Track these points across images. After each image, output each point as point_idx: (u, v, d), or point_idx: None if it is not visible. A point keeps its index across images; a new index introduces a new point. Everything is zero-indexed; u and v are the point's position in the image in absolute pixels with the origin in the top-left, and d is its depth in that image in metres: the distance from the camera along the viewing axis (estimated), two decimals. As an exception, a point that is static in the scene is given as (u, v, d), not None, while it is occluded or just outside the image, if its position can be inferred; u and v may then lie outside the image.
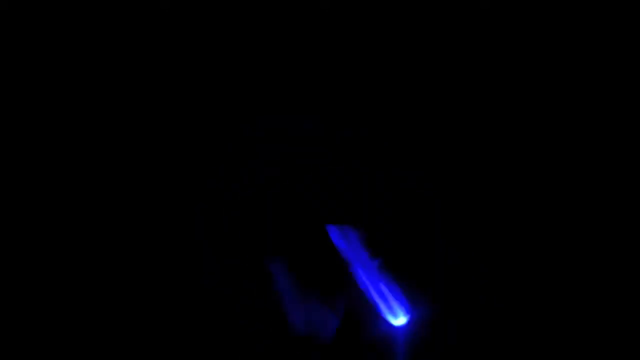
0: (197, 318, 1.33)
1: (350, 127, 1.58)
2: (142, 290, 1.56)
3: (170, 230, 1.54)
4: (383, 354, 1.41)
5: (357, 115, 1.61)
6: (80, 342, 1.53)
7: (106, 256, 1.58)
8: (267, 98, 1.52)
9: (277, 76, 1.59)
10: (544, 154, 1.61)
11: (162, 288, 1.55)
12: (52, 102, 1.61)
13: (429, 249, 1.59)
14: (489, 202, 1.61)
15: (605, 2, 1.56)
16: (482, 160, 1.63)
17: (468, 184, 1.62)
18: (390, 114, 1.62)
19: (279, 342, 1.24)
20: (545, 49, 1.61)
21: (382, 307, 1.39)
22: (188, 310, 1.46)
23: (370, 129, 1.60)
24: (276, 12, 1.61)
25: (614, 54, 1.58)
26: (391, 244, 1.48)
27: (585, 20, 1.58)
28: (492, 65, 1.62)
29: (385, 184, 1.61)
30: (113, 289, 1.57)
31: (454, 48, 1.62)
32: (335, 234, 1.35)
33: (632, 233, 1.54)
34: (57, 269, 1.57)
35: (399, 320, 1.41)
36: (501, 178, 1.62)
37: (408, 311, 1.40)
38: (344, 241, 1.35)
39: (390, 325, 1.41)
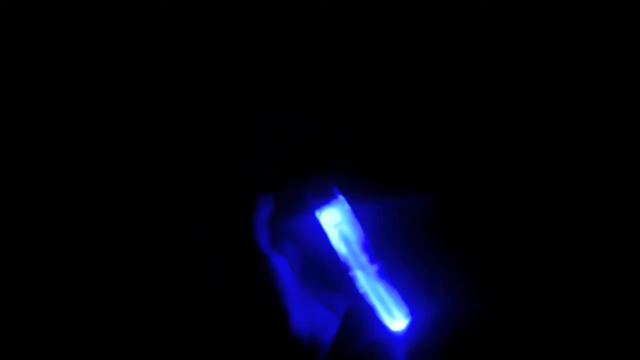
0: (197, 318, 1.33)
1: (350, 127, 1.59)
2: (142, 290, 1.56)
3: (170, 230, 1.55)
4: (381, 358, 1.42)
5: (357, 115, 1.61)
6: (80, 342, 1.53)
7: (105, 256, 1.58)
8: (267, 98, 1.52)
9: (277, 76, 1.59)
10: (544, 154, 1.61)
11: (162, 288, 1.55)
12: (52, 102, 1.61)
13: (428, 249, 1.59)
14: (489, 202, 1.61)
15: (605, 2, 1.57)
16: (482, 161, 1.63)
17: (468, 184, 1.62)
18: (390, 114, 1.63)
19: (279, 342, 1.24)
20: (545, 49, 1.61)
21: (381, 311, 1.40)
22: (188, 310, 1.46)
23: (370, 129, 1.61)
24: (276, 12, 1.61)
25: (614, 54, 1.58)
26: (390, 245, 1.48)
27: (585, 20, 1.58)
28: (492, 65, 1.62)
29: (385, 183, 1.61)
30: (112, 289, 1.57)
31: (454, 48, 1.63)
32: (333, 236, 1.35)
33: (633, 233, 1.54)
34: (55, 268, 1.57)
35: (398, 324, 1.41)
36: (501, 178, 1.62)
37: (407, 315, 1.40)
38: (343, 244, 1.35)
39: (389, 330, 1.42)
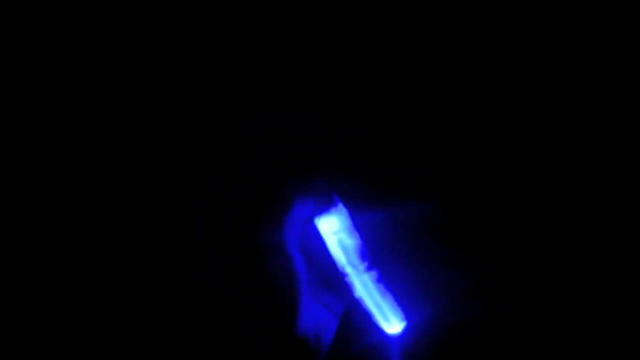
0: (197, 318, 1.33)
1: (350, 127, 1.58)
2: (142, 290, 1.56)
3: (170, 230, 1.54)
4: None
5: (357, 115, 1.61)
6: (80, 342, 1.53)
7: (105, 256, 1.58)
8: (267, 98, 1.52)
9: (277, 76, 1.59)
10: (544, 154, 1.61)
11: (162, 288, 1.55)
12: (52, 102, 1.61)
13: (425, 256, 1.59)
14: (489, 202, 1.61)
15: (605, 2, 1.57)
16: (482, 161, 1.63)
17: (467, 186, 1.62)
18: (390, 114, 1.63)
19: (279, 342, 1.24)
20: (545, 49, 1.61)
21: (377, 316, 1.40)
22: (188, 310, 1.45)
23: (370, 129, 1.61)
24: (276, 12, 1.61)
25: (614, 54, 1.58)
26: (388, 252, 1.48)
27: (585, 20, 1.58)
28: (492, 65, 1.62)
29: (384, 185, 1.61)
30: (112, 289, 1.57)
31: (454, 48, 1.63)
32: (332, 243, 1.36)
33: (632, 233, 1.54)
34: (55, 269, 1.57)
35: (394, 328, 1.42)
36: (501, 178, 1.62)
37: (402, 320, 1.41)
38: (341, 251, 1.36)
39: (385, 335, 1.42)
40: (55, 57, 1.61)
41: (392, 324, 1.40)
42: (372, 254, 1.34)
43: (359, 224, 1.33)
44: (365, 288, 1.36)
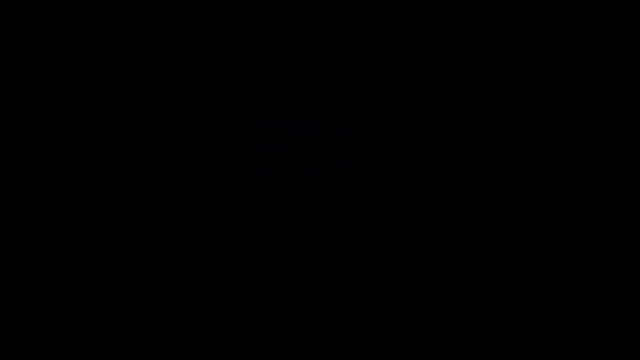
0: (197, 318, 1.33)
1: (350, 127, 1.58)
2: (142, 290, 1.56)
3: (170, 230, 1.54)
4: (380, 356, 1.42)
5: (357, 115, 1.60)
6: (80, 342, 1.52)
7: (106, 256, 1.58)
8: (267, 98, 1.52)
9: (277, 76, 1.59)
10: (544, 154, 1.61)
11: (162, 288, 1.55)
12: (52, 102, 1.61)
13: (429, 250, 1.59)
14: (488, 202, 1.61)
15: (605, 2, 1.56)
16: (482, 161, 1.62)
17: (468, 184, 1.62)
18: (390, 114, 1.62)
19: (278, 342, 1.24)
20: (545, 49, 1.61)
21: (376, 315, 1.41)
22: (188, 310, 1.45)
23: (370, 129, 1.60)
24: (276, 12, 1.61)
25: (614, 54, 1.58)
26: (390, 248, 1.48)
27: (585, 20, 1.58)
28: (492, 65, 1.62)
29: (383, 185, 1.61)
30: (113, 288, 1.57)
31: (454, 48, 1.62)
32: (330, 241, 1.36)
33: (632, 233, 1.54)
34: (56, 268, 1.57)
35: (393, 327, 1.42)
36: (501, 178, 1.62)
37: (406, 316, 1.41)
38: (337, 250, 1.36)
39: (389, 330, 1.42)
40: (55, 57, 1.61)
41: (394, 322, 1.39)
42: (373, 249, 1.34)
43: (359, 220, 1.33)
44: (367, 286, 1.36)
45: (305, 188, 1.26)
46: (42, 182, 1.59)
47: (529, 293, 1.57)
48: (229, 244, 1.21)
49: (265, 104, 1.50)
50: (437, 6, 1.60)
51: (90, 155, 1.61)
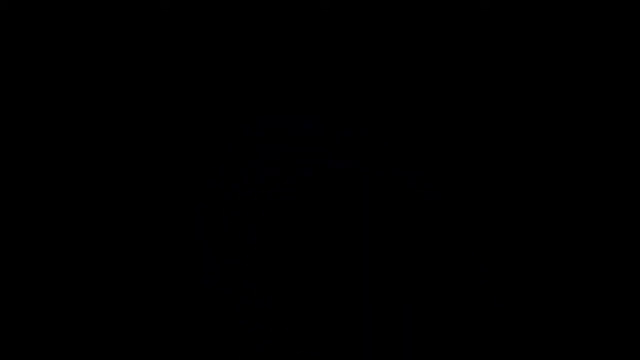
0: (197, 318, 1.32)
1: (350, 127, 1.58)
2: (143, 289, 1.56)
3: (171, 230, 1.54)
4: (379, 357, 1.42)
5: (357, 115, 1.60)
6: (80, 342, 1.52)
7: (106, 256, 1.58)
8: (267, 98, 1.52)
9: (277, 76, 1.59)
10: (543, 154, 1.61)
11: (162, 288, 1.55)
12: (52, 102, 1.61)
13: (428, 250, 1.59)
14: (488, 202, 1.61)
15: (605, 2, 1.56)
16: (482, 161, 1.62)
17: (468, 184, 1.62)
18: (390, 114, 1.62)
19: (279, 342, 1.24)
20: (545, 49, 1.61)
21: (376, 315, 1.41)
22: (188, 310, 1.45)
23: (370, 129, 1.60)
24: (276, 12, 1.61)
25: (614, 54, 1.58)
26: (388, 248, 1.48)
27: (585, 20, 1.58)
28: (492, 65, 1.62)
29: (383, 186, 1.61)
30: (113, 288, 1.57)
31: (454, 48, 1.62)
32: (329, 241, 1.37)
33: (632, 233, 1.54)
34: (57, 268, 1.57)
35: (393, 327, 1.42)
36: (501, 178, 1.62)
37: (406, 317, 1.41)
38: (337, 250, 1.37)
39: (384, 332, 1.43)
40: (55, 57, 1.61)
41: (393, 322, 1.40)
42: (372, 250, 1.34)
43: (359, 221, 1.33)
44: (366, 287, 1.36)
45: (305, 188, 1.26)
46: (42, 182, 1.59)
47: (529, 293, 1.57)
48: (229, 244, 1.21)
49: (265, 104, 1.50)
50: (437, 6, 1.60)
51: (90, 155, 1.61)
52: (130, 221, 1.59)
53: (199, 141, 1.56)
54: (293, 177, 1.25)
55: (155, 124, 1.62)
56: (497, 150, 1.63)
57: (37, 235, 1.57)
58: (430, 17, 1.61)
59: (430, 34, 1.62)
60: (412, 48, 1.63)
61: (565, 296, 1.56)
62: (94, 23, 1.61)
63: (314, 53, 1.61)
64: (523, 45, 1.61)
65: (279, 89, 1.55)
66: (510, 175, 1.62)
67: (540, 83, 1.62)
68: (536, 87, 1.62)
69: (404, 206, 1.58)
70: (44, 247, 1.57)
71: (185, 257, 1.47)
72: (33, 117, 1.60)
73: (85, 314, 1.55)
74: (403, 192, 1.60)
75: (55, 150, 1.60)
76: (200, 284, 1.25)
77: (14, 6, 1.57)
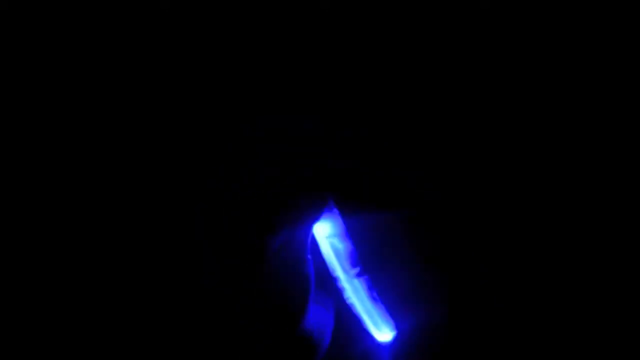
0: (197, 318, 1.33)
1: (350, 127, 1.58)
2: (143, 289, 1.56)
3: (171, 230, 1.54)
4: None
5: (357, 115, 1.61)
6: (81, 342, 1.53)
7: (106, 256, 1.58)
8: (267, 98, 1.52)
9: (277, 76, 1.59)
10: (543, 154, 1.61)
11: (162, 288, 1.55)
12: (52, 102, 1.61)
13: (417, 263, 1.59)
14: (488, 202, 1.61)
15: (605, 2, 1.57)
16: (481, 161, 1.63)
17: (467, 185, 1.62)
18: (390, 114, 1.62)
19: (279, 342, 1.25)
20: (545, 49, 1.61)
21: (368, 322, 1.41)
22: (188, 310, 1.45)
23: (370, 129, 1.61)
24: (276, 13, 1.61)
25: (614, 54, 1.58)
26: (380, 259, 1.49)
27: (585, 20, 1.58)
28: (491, 65, 1.62)
29: (384, 184, 1.61)
30: (113, 288, 1.57)
31: (453, 48, 1.62)
32: (324, 248, 1.37)
33: (632, 233, 1.54)
34: (57, 268, 1.57)
35: (384, 336, 1.43)
36: (500, 179, 1.62)
37: (393, 328, 1.42)
38: (333, 256, 1.37)
39: (375, 341, 1.43)
40: (55, 57, 1.61)
41: (383, 332, 1.41)
42: (364, 261, 1.36)
43: (353, 229, 1.34)
44: (356, 294, 1.38)
45: (305, 188, 1.26)
46: (42, 182, 1.59)
47: (529, 293, 1.57)
48: (229, 244, 1.21)
49: (265, 104, 1.50)
50: (437, 6, 1.60)
51: (90, 155, 1.61)
52: (131, 221, 1.59)
53: (199, 141, 1.56)
54: (293, 177, 1.25)
55: (155, 124, 1.62)
56: (497, 150, 1.63)
57: (37, 236, 1.57)
58: (430, 17, 1.61)
59: (430, 34, 1.62)
60: (412, 48, 1.63)
61: (565, 296, 1.56)
62: (94, 23, 1.61)
63: (314, 53, 1.61)
64: (523, 45, 1.61)
65: (279, 89, 1.55)
66: (509, 175, 1.62)
67: (540, 83, 1.62)
68: (536, 87, 1.62)
69: (403, 206, 1.58)
70: (44, 247, 1.57)
71: (185, 257, 1.47)
72: (33, 117, 1.60)
73: (86, 313, 1.55)
74: (403, 192, 1.60)
75: (55, 150, 1.60)
76: (200, 284, 1.25)
77: (14, 6, 1.57)
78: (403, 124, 1.62)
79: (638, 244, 1.53)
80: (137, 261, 1.57)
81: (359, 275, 1.38)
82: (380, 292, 1.40)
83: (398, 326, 1.43)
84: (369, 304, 1.40)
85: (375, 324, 1.42)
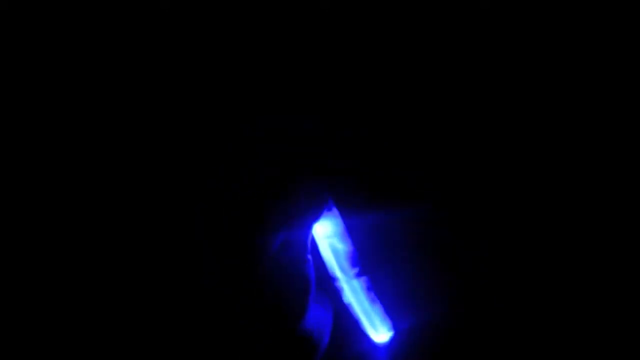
0: (197, 318, 1.33)
1: (350, 127, 1.59)
2: (143, 289, 1.57)
3: (171, 230, 1.55)
4: None
5: (357, 115, 1.61)
6: (81, 342, 1.53)
7: (106, 256, 1.58)
8: (267, 98, 1.53)
9: (277, 76, 1.59)
10: (543, 155, 1.61)
11: (162, 288, 1.55)
12: (53, 102, 1.61)
13: (415, 264, 1.59)
14: (488, 202, 1.61)
15: (605, 2, 1.57)
16: (481, 161, 1.63)
17: (467, 185, 1.62)
18: (390, 114, 1.63)
19: (279, 342, 1.25)
20: (545, 49, 1.61)
21: (365, 323, 1.42)
22: (188, 310, 1.46)
23: (370, 129, 1.61)
24: (276, 13, 1.61)
25: (614, 54, 1.58)
26: (379, 260, 1.49)
27: (585, 20, 1.58)
28: (492, 65, 1.62)
29: (384, 185, 1.61)
30: (113, 288, 1.57)
31: (453, 48, 1.63)
32: (324, 247, 1.38)
33: (632, 233, 1.54)
34: (57, 268, 1.57)
35: (381, 337, 1.43)
36: (500, 179, 1.62)
37: (390, 329, 1.42)
38: (332, 256, 1.37)
39: (372, 342, 1.44)
40: (55, 57, 1.61)
41: (380, 333, 1.41)
42: (363, 261, 1.36)
43: (353, 230, 1.34)
44: (354, 294, 1.38)
45: (305, 188, 1.26)
46: (42, 182, 1.59)
47: (528, 293, 1.57)
48: (229, 244, 1.21)
49: (265, 104, 1.50)
50: (437, 6, 1.60)
51: (90, 155, 1.61)
52: (131, 221, 1.59)
53: (199, 141, 1.56)
54: (293, 177, 1.25)
55: (156, 125, 1.62)
56: (497, 150, 1.63)
57: (38, 236, 1.57)
58: (429, 17, 1.61)
59: (430, 34, 1.62)
60: (412, 48, 1.63)
61: (565, 296, 1.56)
62: (94, 23, 1.61)
63: (314, 53, 1.61)
64: (523, 45, 1.61)
65: (279, 89, 1.55)
66: (509, 175, 1.62)
67: (539, 83, 1.62)
68: (536, 87, 1.62)
69: (403, 206, 1.58)
70: (45, 247, 1.57)
71: (185, 257, 1.47)
72: (33, 117, 1.60)
73: (86, 313, 1.55)
74: (403, 192, 1.60)
75: (55, 150, 1.60)
76: (200, 284, 1.25)
77: (14, 6, 1.57)
78: (403, 124, 1.62)
79: (638, 244, 1.53)
80: (137, 261, 1.57)
81: (358, 275, 1.39)
82: (378, 293, 1.40)
83: (396, 327, 1.43)
84: (367, 304, 1.40)
85: (372, 325, 1.42)
